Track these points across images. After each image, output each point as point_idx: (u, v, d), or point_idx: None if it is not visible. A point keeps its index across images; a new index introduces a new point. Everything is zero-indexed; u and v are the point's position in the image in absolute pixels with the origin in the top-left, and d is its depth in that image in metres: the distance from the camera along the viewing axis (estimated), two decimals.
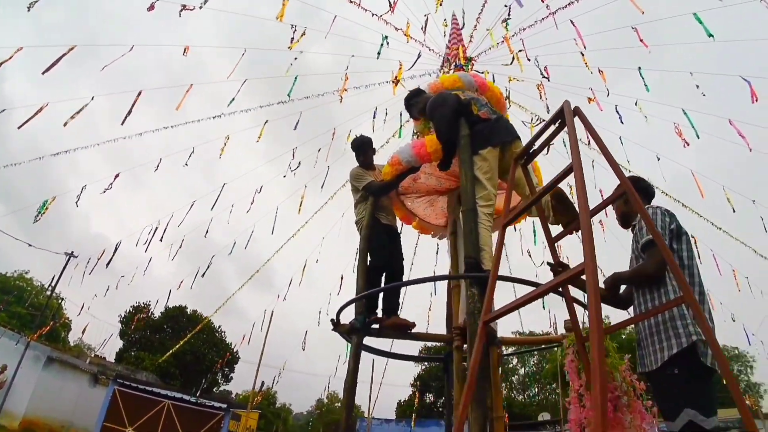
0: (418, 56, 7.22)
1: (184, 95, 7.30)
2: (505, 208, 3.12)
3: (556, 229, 3.22)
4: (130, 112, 6.80)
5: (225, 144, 8.48)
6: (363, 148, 4.99)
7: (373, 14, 7.01)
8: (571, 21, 6.17)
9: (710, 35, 5.57)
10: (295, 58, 7.23)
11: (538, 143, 3.53)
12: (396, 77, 7.25)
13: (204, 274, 10.61)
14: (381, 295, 4.18)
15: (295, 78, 7.26)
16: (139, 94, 6.91)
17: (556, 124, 3.39)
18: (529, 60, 6.76)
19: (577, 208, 3.11)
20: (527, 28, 6.57)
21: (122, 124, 6.66)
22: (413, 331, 4.04)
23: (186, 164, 9.03)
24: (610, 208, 3.37)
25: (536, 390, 40.09)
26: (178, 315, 33.49)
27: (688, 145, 6.85)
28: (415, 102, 4.83)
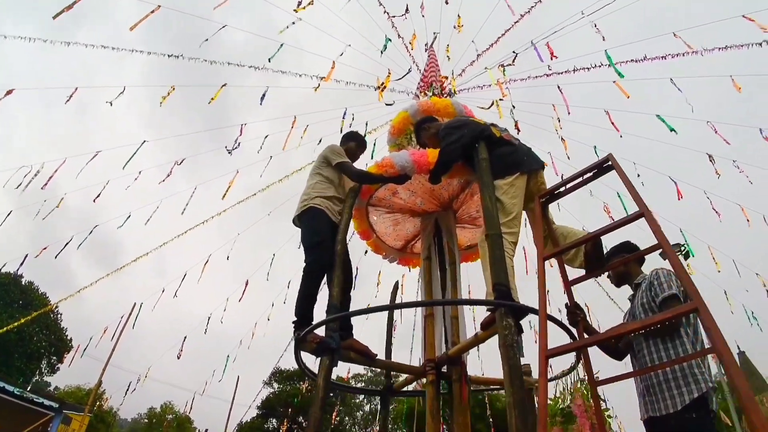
0: (409, 71, 7.06)
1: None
2: (537, 243, 3.02)
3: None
4: None
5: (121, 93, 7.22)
6: (358, 139, 4.70)
7: (385, 11, 6.68)
8: (558, 87, 6.48)
9: (672, 129, 6.27)
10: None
11: (567, 186, 3.54)
12: (383, 84, 6.97)
13: (81, 244, 8.88)
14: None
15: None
16: None
17: (590, 173, 3.46)
18: (514, 108, 6.95)
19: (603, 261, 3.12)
20: (519, 80, 6.78)
21: None
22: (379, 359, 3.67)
23: (67, 101, 7.50)
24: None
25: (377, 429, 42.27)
26: (9, 284, 28.07)
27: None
28: (427, 126, 4.54)
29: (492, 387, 4.35)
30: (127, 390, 11.15)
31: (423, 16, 6.91)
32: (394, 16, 6.86)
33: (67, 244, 8.93)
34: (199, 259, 9.70)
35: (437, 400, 3.52)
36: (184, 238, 9.00)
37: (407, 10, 6.87)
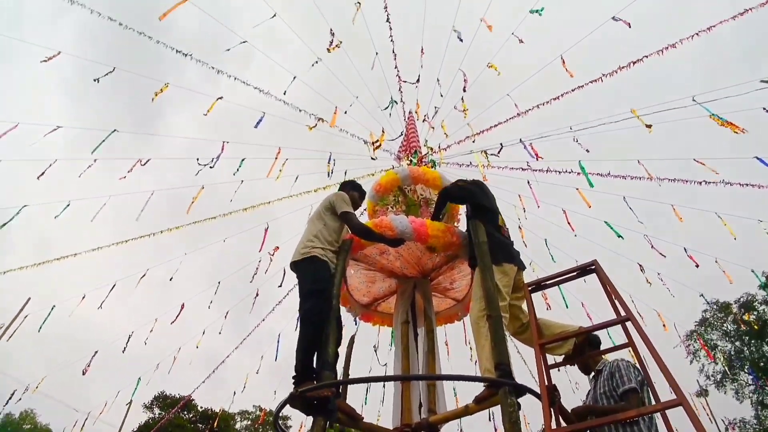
0: (401, 134, 7.47)
1: None
2: (534, 331, 3.42)
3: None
4: None
5: None
6: (360, 190, 4.85)
7: (398, 76, 7.10)
8: (528, 182, 7.26)
9: (619, 236, 7.28)
10: None
11: (553, 280, 4.04)
12: (379, 141, 7.32)
13: None
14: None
15: None
16: None
17: (575, 273, 4.00)
18: None
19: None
20: (497, 167, 7.47)
21: None
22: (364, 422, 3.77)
23: None
24: None
25: None
26: None
27: None
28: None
29: None
30: (10, 398, 9.91)
31: (441, 95, 7.49)
32: (405, 81, 7.40)
33: None
34: (131, 273, 9.17)
35: None
36: (123, 245, 8.51)
37: (419, 79, 7.45)
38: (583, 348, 3.50)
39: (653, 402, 3.07)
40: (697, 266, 7.65)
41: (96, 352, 9.68)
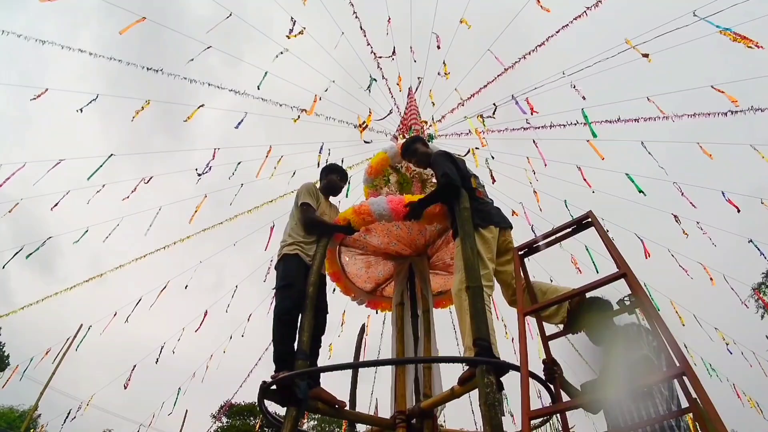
0: (390, 112, 7.14)
1: None
2: (519, 298, 2.99)
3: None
4: None
5: None
6: (339, 171, 4.68)
7: (372, 51, 6.79)
8: (534, 141, 6.70)
9: (640, 191, 6.56)
10: None
11: (546, 240, 3.55)
12: (365, 122, 7.02)
13: (30, 255, 8.31)
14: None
15: None
16: None
17: (570, 229, 3.50)
18: (493, 158, 7.11)
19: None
20: (496, 131, 6.95)
21: None
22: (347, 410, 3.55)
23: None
24: None
25: None
26: None
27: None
28: (416, 147, 4.65)
29: None
30: (67, 417, 10.31)
31: (415, 61, 7.10)
32: (380, 57, 7.05)
33: (16, 253, 8.36)
34: (156, 285, 9.30)
35: None
36: (142, 260, 8.64)
37: (394, 51, 7.07)
38: (578, 314, 3.02)
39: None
40: (738, 211, 6.82)
41: (134, 366, 9.93)
